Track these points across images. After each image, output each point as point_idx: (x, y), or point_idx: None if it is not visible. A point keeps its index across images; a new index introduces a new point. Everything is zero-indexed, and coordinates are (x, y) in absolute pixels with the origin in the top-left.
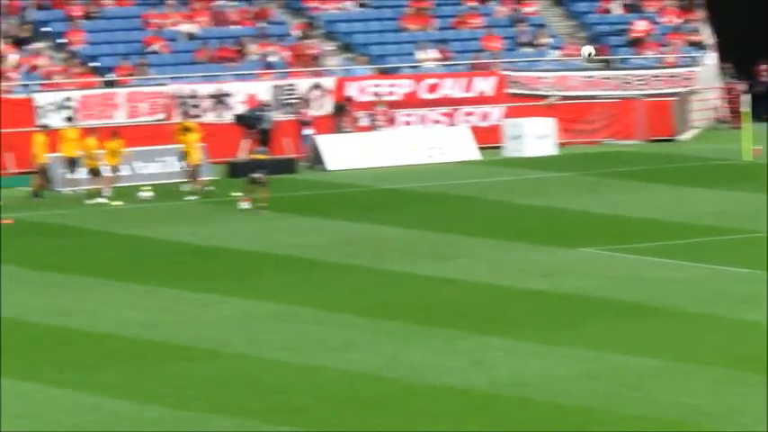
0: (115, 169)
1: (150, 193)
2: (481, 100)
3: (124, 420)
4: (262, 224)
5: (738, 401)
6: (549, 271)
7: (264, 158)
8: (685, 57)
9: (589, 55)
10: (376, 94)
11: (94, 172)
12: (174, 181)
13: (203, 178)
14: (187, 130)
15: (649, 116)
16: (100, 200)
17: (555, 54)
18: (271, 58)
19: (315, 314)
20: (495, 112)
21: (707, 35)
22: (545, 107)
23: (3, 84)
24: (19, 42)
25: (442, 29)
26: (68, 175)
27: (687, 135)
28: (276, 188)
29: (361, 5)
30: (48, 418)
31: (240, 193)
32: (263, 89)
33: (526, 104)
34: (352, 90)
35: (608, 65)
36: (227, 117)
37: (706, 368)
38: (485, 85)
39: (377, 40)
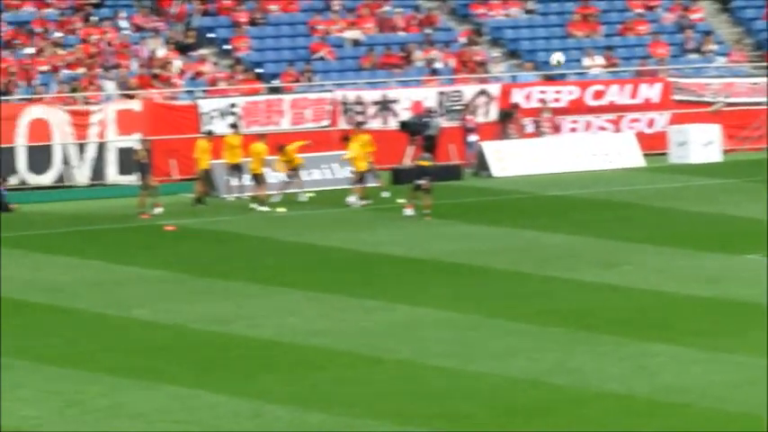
0: (292, 176)
1: (305, 197)
2: (647, 106)
3: (285, 426)
4: (426, 231)
5: None
6: (713, 277)
7: (429, 165)
8: None
9: (558, 63)
10: (542, 101)
11: (258, 178)
12: (338, 188)
13: (368, 185)
14: (347, 139)
15: None
16: (263, 207)
17: (721, 60)
18: (436, 65)
19: (478, 321)
20: (661, 119)
21: None
22: (711, 114)
23: (168, 90)
24: (184, 49)
25: (608, 35)
26: (232, 182)
27: None
28: (441, 195)
29: (528, 12)
30: (210, 424)
31: (404, 200)
32: (428, 95)
33: (692, 111)
34: (517, 97)
35: None
36: (393, 123)
37: None
38: (650, 91)
39: (543, 47)
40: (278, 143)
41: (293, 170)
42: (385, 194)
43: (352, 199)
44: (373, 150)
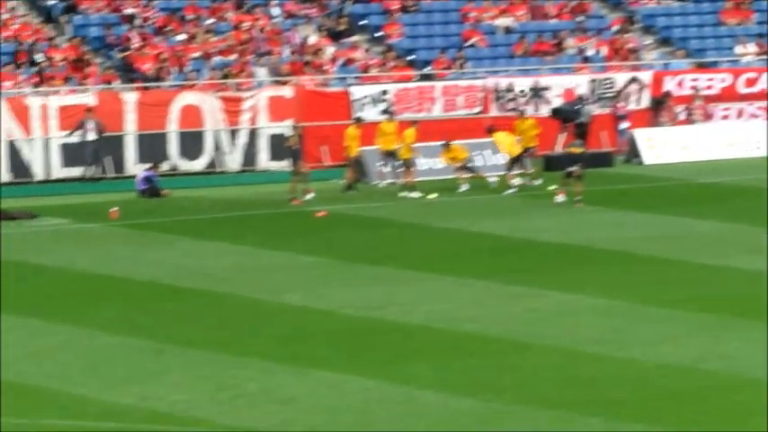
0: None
1: (466, 186)
2: None
3: (435, 412)
4: (577, 218)
5: None
6: None
7: (581, 152)
8: None
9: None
10: (694, 89)
11: (408, 164)
12: (490, 174)
13: (519, 171)
14: (492, 129)
15: None
16: (414, 193)
17: None
18: (588, 52)
19: (629, 307)
20: None
21: None
22: None
23: (319, 77)
24: (336, 35)
25: (760, 23)
26: (383, 168)
27: None
28: (592, 182)
29: (680, 0)
30: (360, 409)
31: (556, 187)
32: (580, 83)
33: None
34: (670, 84)
35: None
36: (544, 111)
37: None
38: None
39: (695, 35)
40: (443, 139)
41: (461, 165)
42: (537, 182)
43: (515, 181)
44: (536, 134)
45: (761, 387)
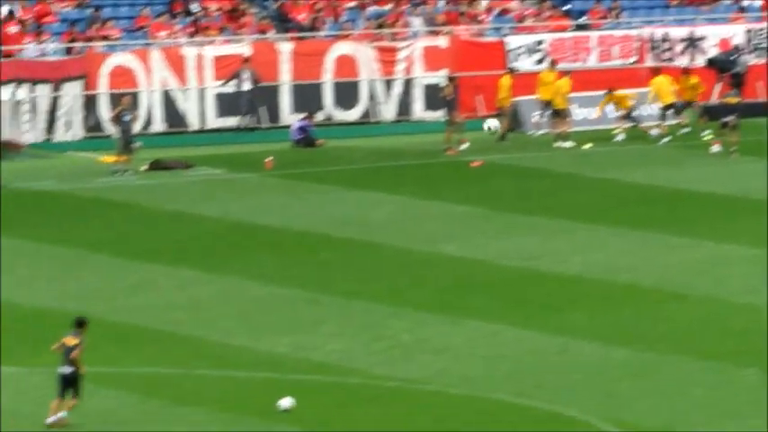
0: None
1: (622, 136)
2: None
3: (590, 362)
4: (732, 168)
5: None
6: None
7: (737, 102)
8: None
9: (488, 129)
10: None
11: (562, 114)
12: (644, 124)
13: (673, 122)
14: (657, 71)
15: None
16: (567, 143)
17: None
18: (745, 2)
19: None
20: None
21: None
22: None
23: (475, 27)
24: None
25: None
26: (540, 118)
27: None
28: (748, 132)
29: None
30: (516, 359)
31: (712, 137)
32: (736, 33)
33: None
34: None
35: None
36: (700, 61)
37: None
38: None
39: None
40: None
41: (626, 114)
42: (684, 130)
43: (655, 132)
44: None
45: None
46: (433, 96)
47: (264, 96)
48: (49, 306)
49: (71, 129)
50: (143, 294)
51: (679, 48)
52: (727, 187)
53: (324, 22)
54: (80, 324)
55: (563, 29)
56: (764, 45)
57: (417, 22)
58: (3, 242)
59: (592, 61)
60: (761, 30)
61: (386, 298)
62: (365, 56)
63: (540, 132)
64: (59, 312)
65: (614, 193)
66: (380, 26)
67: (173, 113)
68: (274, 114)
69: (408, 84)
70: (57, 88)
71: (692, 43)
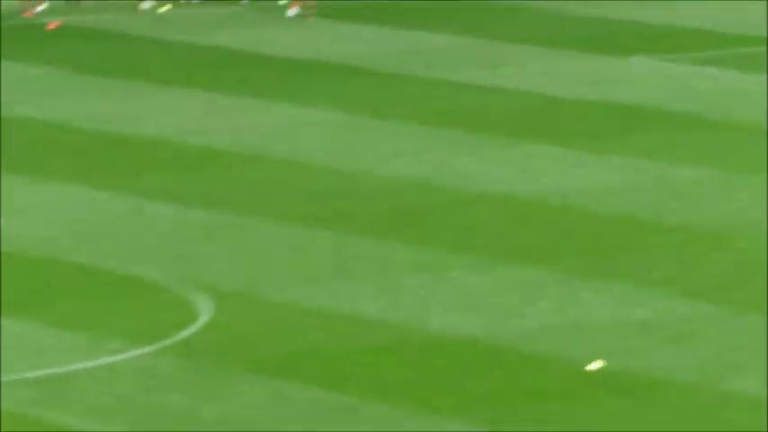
0: None
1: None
2: None
3: (166, 222)
4: (309, 31)
5: None
6: (597, 80)
7: None
8: None
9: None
10: None
11: None
12: None
13: None
14: None
15: None
16: (148, 4)
17: None
18: None
19: (362, 122)
20: None
21: None
22: None
23: None
24: None
25: None
26: None
27: None
28: None
29: None
30: (91, 220)
31: (289, 0)
32: None
33: None
34: None
35: None
36: None
37: (752, 177)
38: None
39: None
40: None
41: None
42: None
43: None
44: None
45: (490, 201)
46: None
47: None
48: None
49: None
50: None
51: None
52: (303, 51)
53: None
54: None
55: None
56: None
57: None
58: None
59: None
60: None
61: None
62: None
63: None
64: None
65: (191, 57)
66: None
67: None
68: None
69: None
70: None
71: None
